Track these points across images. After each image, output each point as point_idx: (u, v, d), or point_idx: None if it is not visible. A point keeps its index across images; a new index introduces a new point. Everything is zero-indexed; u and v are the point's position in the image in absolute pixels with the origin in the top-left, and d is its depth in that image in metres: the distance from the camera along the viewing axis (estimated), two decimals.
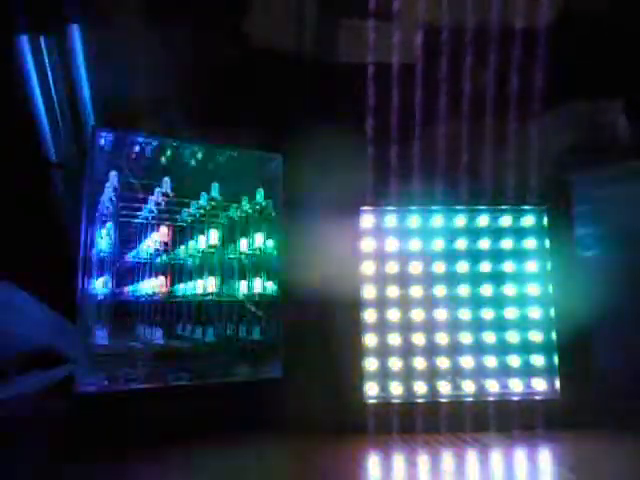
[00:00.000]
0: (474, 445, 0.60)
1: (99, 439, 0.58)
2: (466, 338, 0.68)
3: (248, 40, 1.02)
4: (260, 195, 0.76)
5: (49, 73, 1.13)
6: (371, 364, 0.67)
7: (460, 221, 0.71)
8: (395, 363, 0.67)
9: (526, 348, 0.69)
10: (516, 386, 0.67)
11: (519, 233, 0.71)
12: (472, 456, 0.58)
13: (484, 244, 0.70)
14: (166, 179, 0.71)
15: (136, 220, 0.74)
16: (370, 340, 0.68)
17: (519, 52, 0.92)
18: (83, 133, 1.17)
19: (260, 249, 0.75)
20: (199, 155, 0.73)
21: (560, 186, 0.73)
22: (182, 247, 0.75)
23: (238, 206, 0.76)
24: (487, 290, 0.69)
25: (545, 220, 0.71)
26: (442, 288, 0.69)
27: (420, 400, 0.67)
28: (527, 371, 0.68)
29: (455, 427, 0.65)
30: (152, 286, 0.70)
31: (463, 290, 0.69)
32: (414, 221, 0.71)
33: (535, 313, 0.69)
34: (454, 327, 0.69)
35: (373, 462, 0.58)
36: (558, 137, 0.96)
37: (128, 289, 0.72)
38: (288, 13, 1.05)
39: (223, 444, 0.62)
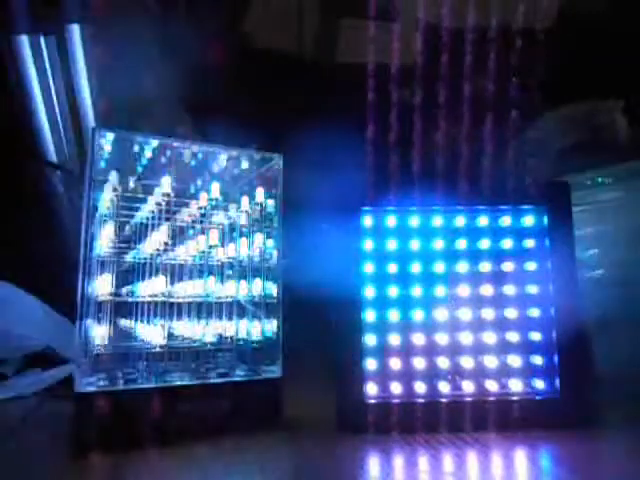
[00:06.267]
0: (474, 445, 0.60)
1: (99, 439, 0.58)
2: (466, 338, 0.68)
3: (248, 40, 1.02)
4: (260, 195, 0.76)
5: (49, 73, 1.13)
6: (371, 364, 0.67)
7: (460, 221, 0.71)
8: (395, 363, 0.67)
9: (526, 348, 0.69)
10: (516, 386, 0.67)
11: (519, 233, 0.71)
12: (472, 456, 0.58)
13: (484, 244, 0.70)
14: (166, 179, 0.71)
15: (136, 220, 0.74)
16: (370, 340, 0.68)
17: (519, 52, 0.92)
18: (83, 134, 1.18)
19: (260, 249, 0.75)
20: (199, 155, 0.73)
21: (560, 186, 0.72)
22: (182, 247, 0.75)
23: (238, 206, 0.76)
24: (487, 290, 0.69)
25: (545, 220, 0.71)
26: (442, 288, 0.69)
27: (420, 400, 0.67)
28: (527, 371, 0.68)
29: (455, 427, 0.65)
30: (152, 286, 0.70)
31: (463, 290, 0.69)
32: (414, 221, 0.70)
33: (535, 313, 0.69)
34: (454, 327, 0.69)
35: (373, 462, 0.58)
36: (558, 137, 0.96)
37: (128, 289, 0.72)
38: (288, 12, 1.05)
39: (223, 444, 0.62)
